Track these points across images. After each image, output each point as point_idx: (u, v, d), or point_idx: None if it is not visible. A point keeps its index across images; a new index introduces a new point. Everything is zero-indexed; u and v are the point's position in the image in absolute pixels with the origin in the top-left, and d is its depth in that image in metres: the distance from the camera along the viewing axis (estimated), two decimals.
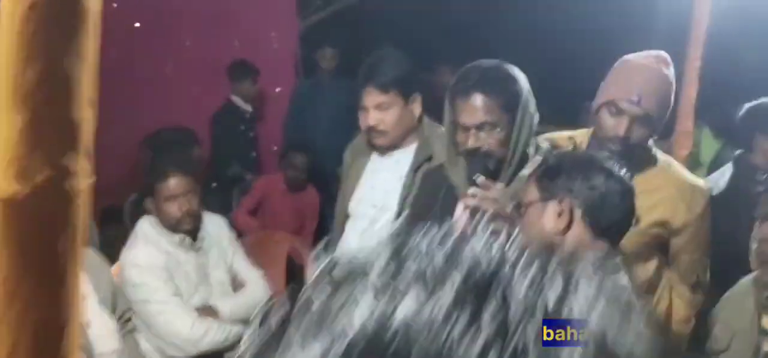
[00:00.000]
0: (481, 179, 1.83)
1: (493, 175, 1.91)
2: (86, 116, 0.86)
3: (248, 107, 5.09)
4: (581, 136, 2.21)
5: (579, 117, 3.48)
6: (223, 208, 4.51)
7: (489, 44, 4.95)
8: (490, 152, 1.89)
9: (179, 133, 4.37)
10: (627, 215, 1.53)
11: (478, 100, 1.87)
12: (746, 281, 1.92)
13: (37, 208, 0.85)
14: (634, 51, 2.19)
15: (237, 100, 5.04)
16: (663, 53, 2.13)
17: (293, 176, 4.41)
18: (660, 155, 2.17)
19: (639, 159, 2.07)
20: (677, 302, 2.16)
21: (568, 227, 1.51)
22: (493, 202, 1.79)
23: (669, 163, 2.16)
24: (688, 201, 2.09)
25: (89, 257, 2.59)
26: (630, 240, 2.03)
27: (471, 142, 1.89)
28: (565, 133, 2.31)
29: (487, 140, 1.88)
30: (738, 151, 3.18)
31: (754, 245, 1.82)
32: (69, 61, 0.83)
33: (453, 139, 1.96)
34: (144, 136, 5.55)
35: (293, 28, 5.53)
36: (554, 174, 1.54)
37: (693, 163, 3.91)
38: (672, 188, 2.09)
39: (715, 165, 3.50)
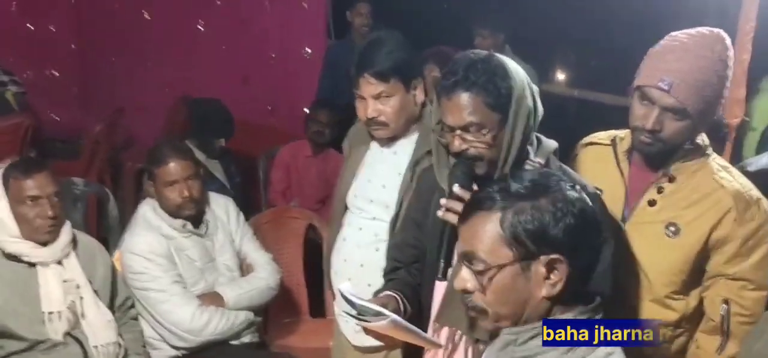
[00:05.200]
0: (456, 188, 1.65)
1: (483, 180, 1.71)
2: None
3: None
4: (626, 135, 1.93)
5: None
6: (249, 177, 4.43)
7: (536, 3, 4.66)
8: (479, 156, 1.68)
9: (219, 114, 4.15)
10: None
11: (462, 98, 1.65)
12: None
13: None
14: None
15: None
16: (715, 31, 1.81)
17: (316, 131, 4.25)
18: (713, 157, 1.87)
19: (681, 158, 1.82)
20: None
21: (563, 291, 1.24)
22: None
23: (721, 168, 1.85)
24: (741, 212, 1.77)
25: (84, 245, 2.52)
26: (668, 261, 1.81)
27: (456, 145, 1.68)
28: (606, 133, 2.02)
29: (475, 143, 1.67)
30: None
31: None
32: None
33: (441, 139, 1.76)
34: (177, 96, 5.50)
35: None
36: (541, 233, 1.23)
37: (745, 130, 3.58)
38: (723, 193, 1.79)
39: None
